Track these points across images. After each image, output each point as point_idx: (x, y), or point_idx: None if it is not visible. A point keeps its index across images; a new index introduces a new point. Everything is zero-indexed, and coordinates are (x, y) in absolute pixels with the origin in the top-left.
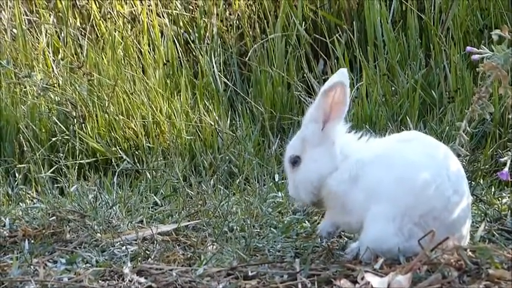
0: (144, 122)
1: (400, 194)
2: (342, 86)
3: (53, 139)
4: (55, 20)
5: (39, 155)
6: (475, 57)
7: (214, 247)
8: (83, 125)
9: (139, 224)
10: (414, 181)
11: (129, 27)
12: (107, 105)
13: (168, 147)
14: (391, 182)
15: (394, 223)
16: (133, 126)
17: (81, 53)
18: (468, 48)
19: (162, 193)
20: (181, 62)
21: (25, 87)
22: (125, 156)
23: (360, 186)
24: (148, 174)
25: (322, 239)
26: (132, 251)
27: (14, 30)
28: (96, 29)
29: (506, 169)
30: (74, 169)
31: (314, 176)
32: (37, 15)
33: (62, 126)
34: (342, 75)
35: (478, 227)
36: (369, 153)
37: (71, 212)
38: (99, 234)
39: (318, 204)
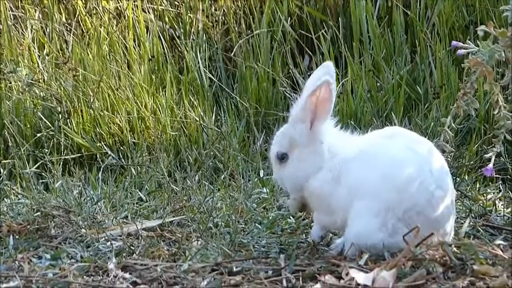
0: (129, 117)
1: (383, 190)
2: (327, 83)
3: (38, 135)
4: (40, 16)
5: (24, 151)
6: (460, 52)
7: (199, 243)
8: (68, 120)
9: (124, 220)
10: (397, 177)
11: (115, 22)
12: (92, 100)
13: (153, 142)
14: (374, 178)
15: (378, 218)
16: (119, 122)
17: (67, 48)
18: (454, 43)
19: (147, 189)
20: (166, 58)
21: (10, 83)
22: (109, 152)
23: (343, 183)
24: (133, 169)
25: (316, 245)
26: (116, 247)
27: None
28: (81, 24)
29: (490, 165)
30: (59, 165)
31: (302, 176)
32: (22, 11)
33: (46, 121)
34: (327, 69)
35: (462, 223)
36: (351, 150)
37: (56, 208)
38: (84, 230)
39: (303, 208)
